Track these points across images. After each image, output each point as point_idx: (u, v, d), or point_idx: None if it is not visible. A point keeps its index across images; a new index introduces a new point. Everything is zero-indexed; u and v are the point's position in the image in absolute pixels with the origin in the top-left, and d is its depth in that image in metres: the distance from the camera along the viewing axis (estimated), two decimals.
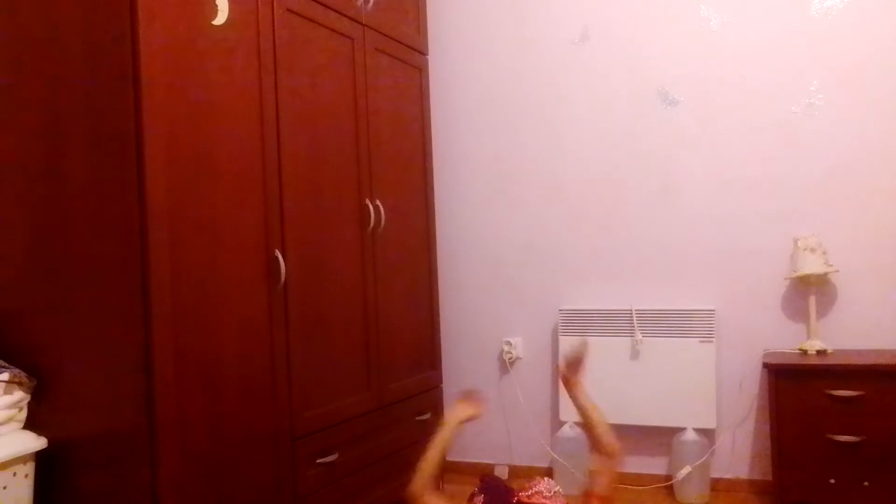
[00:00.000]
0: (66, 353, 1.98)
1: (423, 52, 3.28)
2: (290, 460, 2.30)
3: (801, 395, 2.76)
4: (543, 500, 1.91)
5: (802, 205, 3.08)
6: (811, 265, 2.92)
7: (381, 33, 2.92)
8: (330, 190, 2.59)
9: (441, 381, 3.31)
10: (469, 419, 2.09)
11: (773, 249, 3.10)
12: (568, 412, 3.30)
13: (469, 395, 2.14)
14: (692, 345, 3.13)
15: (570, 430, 3.25)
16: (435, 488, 1.97)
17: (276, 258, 2.28)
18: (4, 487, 1.86)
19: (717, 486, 3.15)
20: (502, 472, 3.50)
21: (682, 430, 3.11)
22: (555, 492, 1.95)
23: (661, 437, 3.21)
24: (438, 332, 3.31)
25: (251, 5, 2.24)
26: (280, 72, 2.34)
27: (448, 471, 3.43)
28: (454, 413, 2.09)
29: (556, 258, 3.47)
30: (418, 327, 3.14)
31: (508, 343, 3.52)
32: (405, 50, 3.12)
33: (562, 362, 2.18)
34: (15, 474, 1.89)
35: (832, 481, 2.71)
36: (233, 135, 2.15)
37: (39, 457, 1.96)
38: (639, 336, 3.20)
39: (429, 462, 1.96)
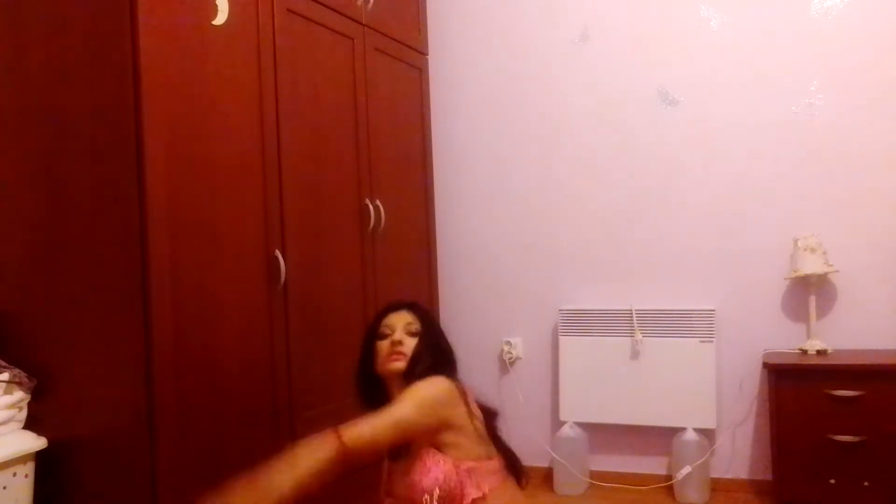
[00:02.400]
0: (66, 352, 1.98)
1: (423, 52, 3.28)
2: None
3: (801, 395, 2.76)
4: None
5: (802, 205, 3.08)
6: (811, 265, 2.92)
7: (381, 33, 2.92)
8: (330, 190, 2.59)
9: None
10: None
11: (773, 249, 3.10)
12: (568, 412, 3.30)
13: None
14: (692, 345, 3.13)
15: (570, 430, 3.25)
16: None
17: (276, 258, 2.27)
18: (4, 487, 1.86)
19: (717, 486, 3.15)
20: None
21: (682, 430, 3.11)
22: None
23: (661, 437, 3.21)
24: None
25: (251, 5, 2.24)
26: (280, 72, 2.33)
27: None
28: None
29: (556, 258, 3.47)
30: None
31: (508, 343, 3.52)
32: (405, 50, 3.12)
33: None
34: (15, 474, 1.89)
35: (832, 481, 2.71)
36: (233, 134, 2.15)
37: (39, 457, 1.95)
38: (639, 336, 3.20)
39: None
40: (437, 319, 1.82)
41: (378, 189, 2.84)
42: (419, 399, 1.59)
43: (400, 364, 1.68)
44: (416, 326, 1.74)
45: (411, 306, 1.79)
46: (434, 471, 1.58)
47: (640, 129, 3.32)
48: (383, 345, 1.72)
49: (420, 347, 1.71)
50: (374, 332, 1.77)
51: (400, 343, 1.69)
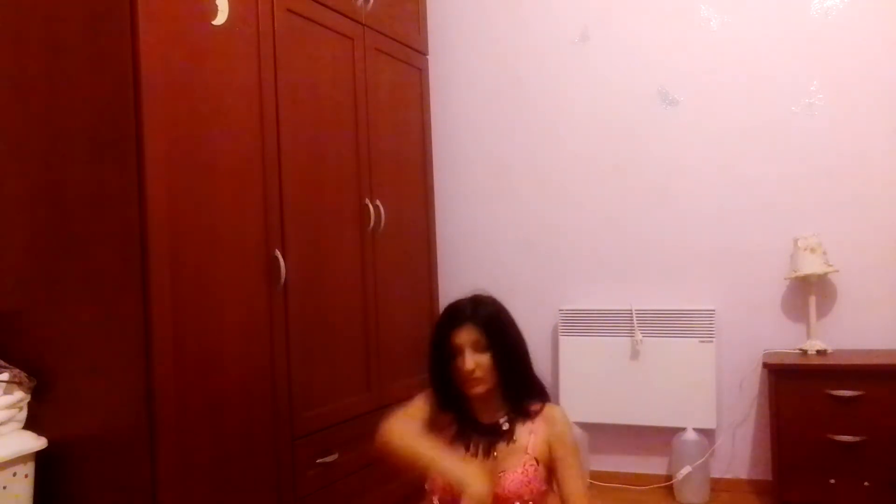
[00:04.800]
0: (66, 352, 1.98)
1: (423, 52, 3.28)
2: (290, 460, 2.30)
3: (801, 395, 2.76)
4: None
5: (802, 205, 3.08)
6: (811, 265, 2.92)
7: (381, 33, 2.92)
8: (330, 190, 2.59)
9: None
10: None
11: (773, 249, 3.10)
12: (568, 412, 3.28)
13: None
14: (692, 345, 3.13)
15: None
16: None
17: (276, 258, 2.27)
18: (4, 487, 1.85)
19: (717, 486, 3.15)
20: None
21: (682, 430, 3.11)
22: None
23: (661, 437, 3.21)
24: None
25: (251, 5, 2.24)
26: (280, 72, 2.33)
27: None
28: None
29: (556, 258, 3.47)
30: (418, 327, 3.13)
31: None
32: (405, 50, 3.12)
33: None
34: (15, 474, 1.89)
35: (832, 481, 2.71)
36: (233, 135, 2.15)
37: (39, 457, 1.95)
38: (639, 336, 3.20)
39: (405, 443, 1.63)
40: (502, 317, 1.76)
41: (378, 189, 2.84)
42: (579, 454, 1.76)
43: (480, 389, 1.68)
44: (483, 343, 1.67)
45: (473, 316, 1.70)
46: (533, 482, 1.65)
47: (640, 128, 3.32)
48: (457, 365, 1.67)
49: (498, 375, 1.68)
50: (444, 347, 1.70)
51: (472, 371, 1.65)
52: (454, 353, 1.68)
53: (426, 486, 1.71)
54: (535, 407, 1.75)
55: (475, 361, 1.66)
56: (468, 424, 1.74)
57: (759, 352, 3.06)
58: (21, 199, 2.05)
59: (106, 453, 1.92)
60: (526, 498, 1.63)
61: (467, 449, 1.72)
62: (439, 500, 1.67)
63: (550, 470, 1.71)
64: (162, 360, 1.87)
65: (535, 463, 1.68)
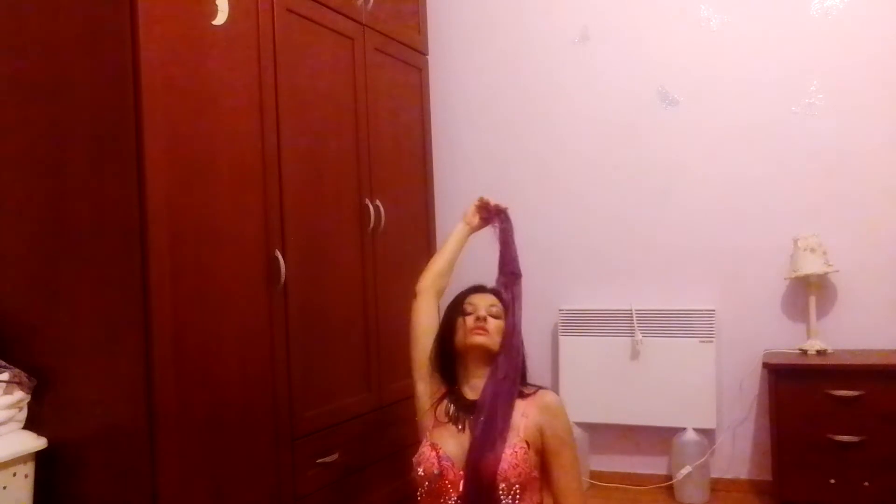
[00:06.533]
0: (66, 352, 1.98)
1: (423, 52, 3.28)
2: (290, 460, 2.30)
3: (801, 395, 2.76)
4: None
5: (802, 205, 3.08)
6: (811, 265, 2.92)
7: (381, 33, 2.92)
8: (330, 190, 2.59)
9: None
10: (482, 223, 2.09)
11: (773, 249, 3.10)
12: (568, 412, 3.29)
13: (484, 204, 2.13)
14: (692, 345, 3.13)
15: None
16: (437, 293, 1.96)
17: (276, 258, 2.27)
18: (4, 487, 1.86)
19: (717, 486, 3.15)
20: None
21: (682, 430, 3.11)
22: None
23: (661, 437, 3.21)
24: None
25: (251, 5, 2.24)
26: (280, 72, 2.33)
27: None
28: (468, 215, 2.16)
29: (556, 258, 3.47)
30: None
31: None
32: (405, 50, 3.11)
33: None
34: (15, 474, 1.89)
35: (832, 481, 2.71)
36: (233, 135, 2.15)
37: (39, 457, 1.95)
38: (639, 336, 3.20)
39: (437, 260, 2.02)
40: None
41: (378, 189, 2.84)
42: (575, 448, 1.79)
43: (481, 339, 1.76)
44: (497, 309, 1.83)
45: (494, 291, 1.90)
46: (521, 465, 1.63)
47: (640, 128, 3.32)
48: (467, 320, 1.80)
49: (511, 333, 1.80)
50: (456, 310, 1.84)
51: (484, 320, 1.78)
52: (469, 312, 1.81)
53: (413, 459, 1.73)
54: (527, 390, 1.76)
55: (488, 319, 1.78)
56: (458, 401, 1.78)
57: (759, 352, 3.06)
58: (21, 199, 2.05)
59: (106, 453, 1.92)
60: (512, 481, 1.61)
61: (455, 424, 1.74)
62: (424, 471, 1.68)
63: (541, 458, 1.69)
64: (162, 359, 1.86)
65: (525, 446, 1.66)
